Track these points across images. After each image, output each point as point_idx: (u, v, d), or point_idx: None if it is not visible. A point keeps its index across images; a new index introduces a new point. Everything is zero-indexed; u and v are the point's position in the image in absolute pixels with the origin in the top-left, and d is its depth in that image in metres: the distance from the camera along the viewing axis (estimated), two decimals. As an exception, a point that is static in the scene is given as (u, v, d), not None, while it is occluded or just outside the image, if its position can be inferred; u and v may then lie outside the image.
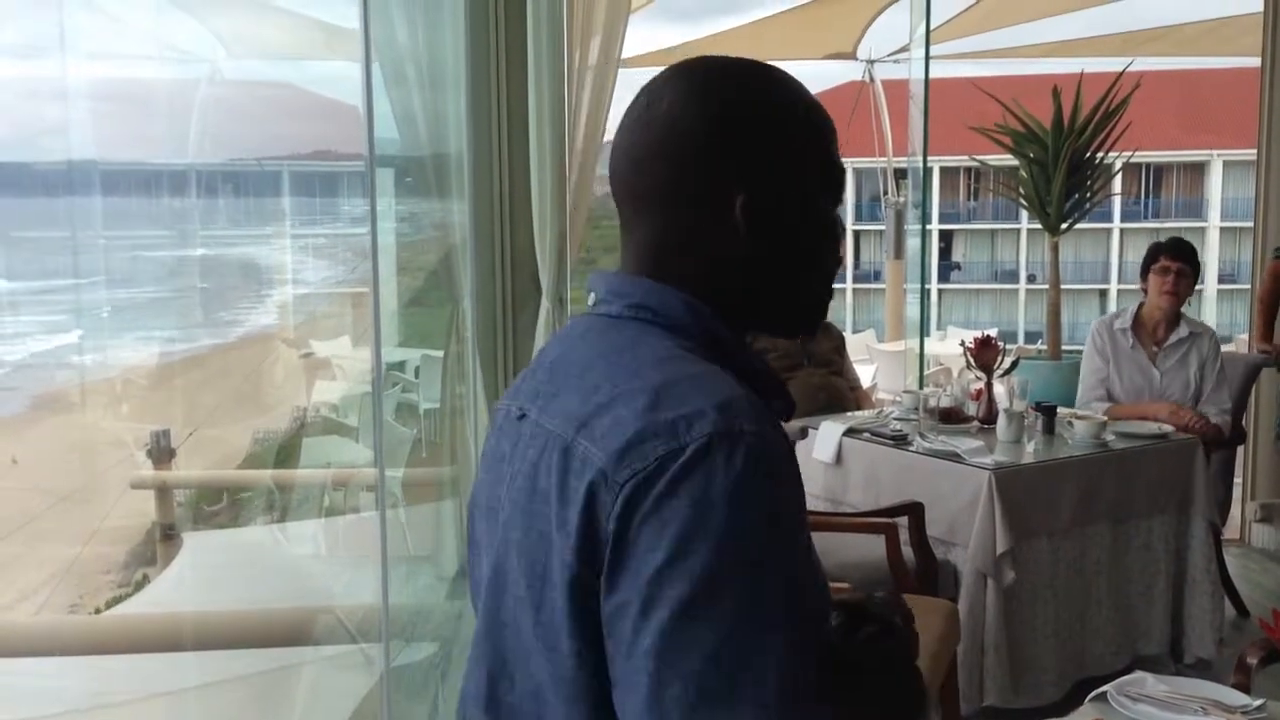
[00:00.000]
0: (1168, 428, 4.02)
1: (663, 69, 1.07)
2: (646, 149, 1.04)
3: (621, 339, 1.01)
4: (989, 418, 3.98)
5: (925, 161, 7.48)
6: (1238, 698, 1.92)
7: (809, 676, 0.86)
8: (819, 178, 1.06)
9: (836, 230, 1.09)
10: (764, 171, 1.03)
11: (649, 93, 1.06)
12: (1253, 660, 2.40)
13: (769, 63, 1.09)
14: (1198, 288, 4.71)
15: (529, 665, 0.97)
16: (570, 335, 1.08)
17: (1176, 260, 4.41)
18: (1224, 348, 4.80)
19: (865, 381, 6.42)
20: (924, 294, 8.92)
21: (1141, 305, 4.52)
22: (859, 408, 4.69)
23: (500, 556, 1.02)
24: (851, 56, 10.94)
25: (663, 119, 1.03)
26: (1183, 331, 4.44)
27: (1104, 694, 1.93)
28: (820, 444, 4.01)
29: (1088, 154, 5.92)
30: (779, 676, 0.84)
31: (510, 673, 1.00)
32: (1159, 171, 33.42)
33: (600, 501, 0.89)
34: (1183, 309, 4.49)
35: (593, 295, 1.09)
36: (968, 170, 31.98)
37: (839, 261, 1.11)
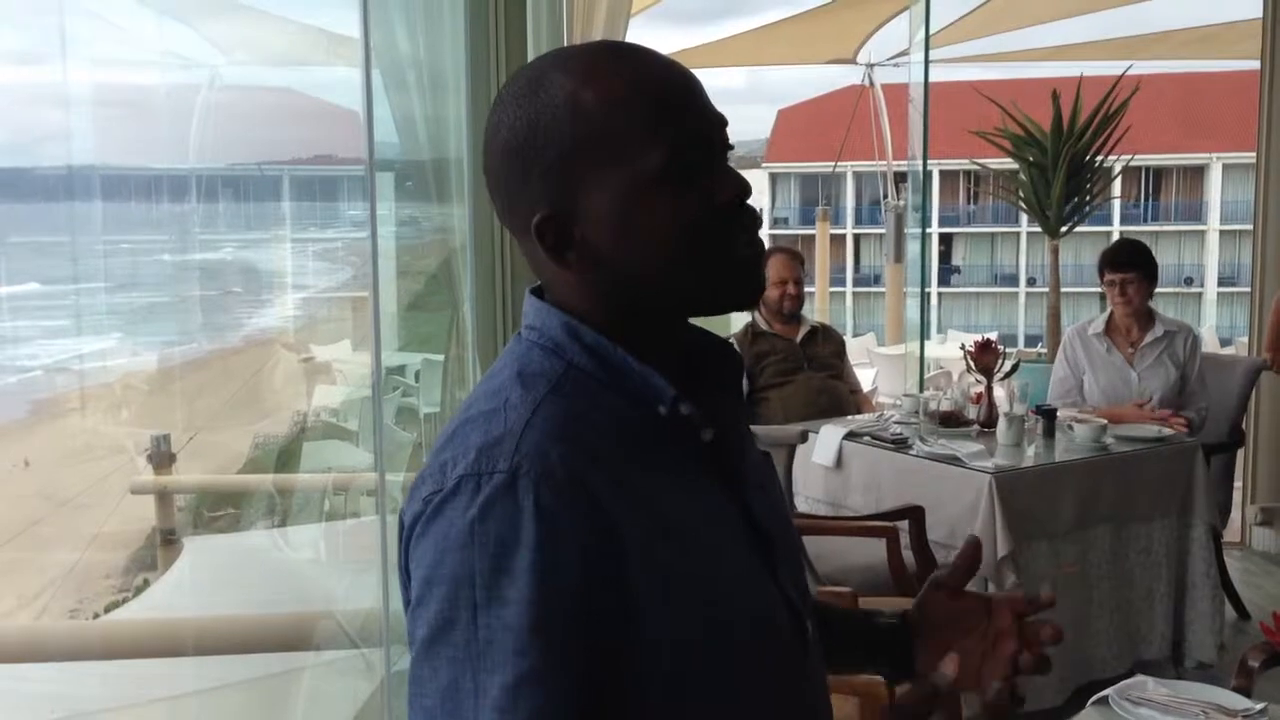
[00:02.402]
0: (1167, 431, 4.02)
1: None
2: (487, 184, 1.02)
3: (497, 367, 1.01)
4: (989, 421, 3.98)
5: (925, 165, 7.48)
6: (1239, 701, 1.91)
7: (542, 711, 0.85)
8: (655, 161, 0.94)
9: (720, 192, 0.97)
10: (565, 184, 0.95)
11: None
12: (1254, 663, 2.39)
13: (589, 46, 1.00)
14: (1197, 290, 4.70)
15: None
16: None
17: (1119, 272, 4.38)
18: (1224, 350, 4.79)
19: (865, 385, 6.42)
20: (924, 297, 8.92)
21: (1112, 309, 4.51)
22: (859, 411, 4.69)
23: None
24: (851, 61, 10.96)
25: (487, 134, 1.00)
26: (1158, 331, 4.41)
27: (1105, 698, 1.93)
28: (820, 448, 4.01)
29: (1087, 157, 5.94)
30: (495, 716, 0.84)
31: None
32: (1158, 174, 33.45)
33: (401, 540, 0.95)
34: (1153, 306, 4.47)
35: None
36: (968, 174, 32.00)
37: (740, 223, 0.98)
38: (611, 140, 0.94)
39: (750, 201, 1.00)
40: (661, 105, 0.95)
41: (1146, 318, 4.43)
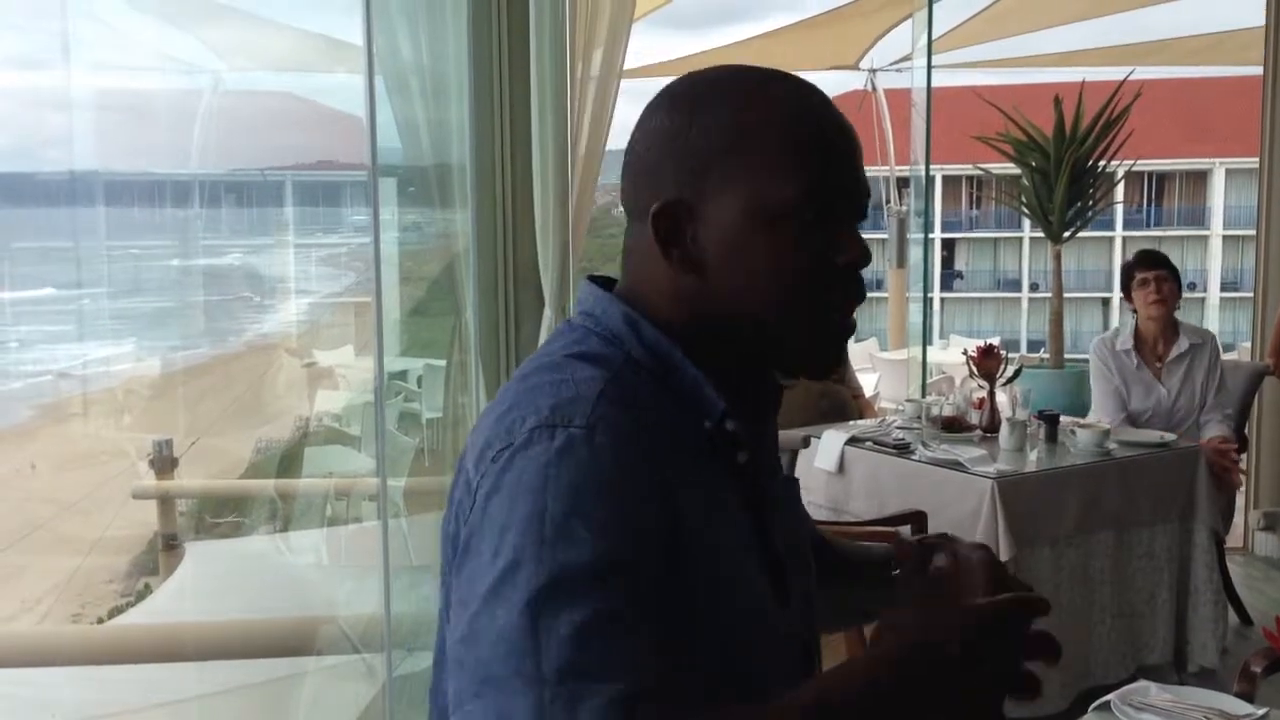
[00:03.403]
0: (1170, 436, 4.02)
1: (670, 80, 1.04)
2: (625, 162, 1.03)
3: (553, 345, 1.01)
4: (992, 426, 3.97)
5: (928, 170, 7.48)
6: (1242, 707, 1.91)
7: (607, 658, 0.79)
8: (789, 198, 0.95)
9: (836, 260, 0.97)
10: (697, 186, 0.96)
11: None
12: (1257, 669, 2.39)
13: (768, 72, 1.00)
14: (1200, 295, 4.72)
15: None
16: None
17: (1152, 269, 4.41)
18: (1227, 356, 4.80)
19: (868, 390, 6.42)
20: (926, 302, 8.91)
21: (1137, 323, 4.50)
22: (861, 416, 4.69)
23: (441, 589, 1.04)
24: (854, 68, 10.97)
25: (634, 132, 1.02)
26: (1183, 345, 4.42)
27: (1107, 703, 1.93)
28: (822, 453, 4.01)
29: (1090, 162, 5.93)
30: (561, 656, 0.78)
31: (443, 700, 0.97)
32: (1161, 180, 33.43)
33: (463, 507, 0.91)
34: (1178, 316, 4.48)
35: None
36: (970, 179, 31.99)
37: (842, 295, 0.99)
38: (756, 155, 0.95)
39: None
40: (815, 144, 0.96)
41: (1172, 329, 4.44)
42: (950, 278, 34.76)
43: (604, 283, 1.05)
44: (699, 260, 0.97)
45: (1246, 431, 4.88)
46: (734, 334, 0.99)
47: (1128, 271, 4.52)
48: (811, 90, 0.99)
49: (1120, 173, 6.29)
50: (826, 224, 0.96)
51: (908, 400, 4.82)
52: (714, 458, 0.98)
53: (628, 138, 1.03)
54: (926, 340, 7.78)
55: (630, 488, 0.86)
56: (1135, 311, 4.49)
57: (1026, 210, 6.34)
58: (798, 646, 1.05)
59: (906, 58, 9.27)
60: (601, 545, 0.83)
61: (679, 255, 0.97)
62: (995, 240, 34.94)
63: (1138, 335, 4.48)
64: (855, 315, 1.03)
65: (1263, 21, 5.47)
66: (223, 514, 5.79)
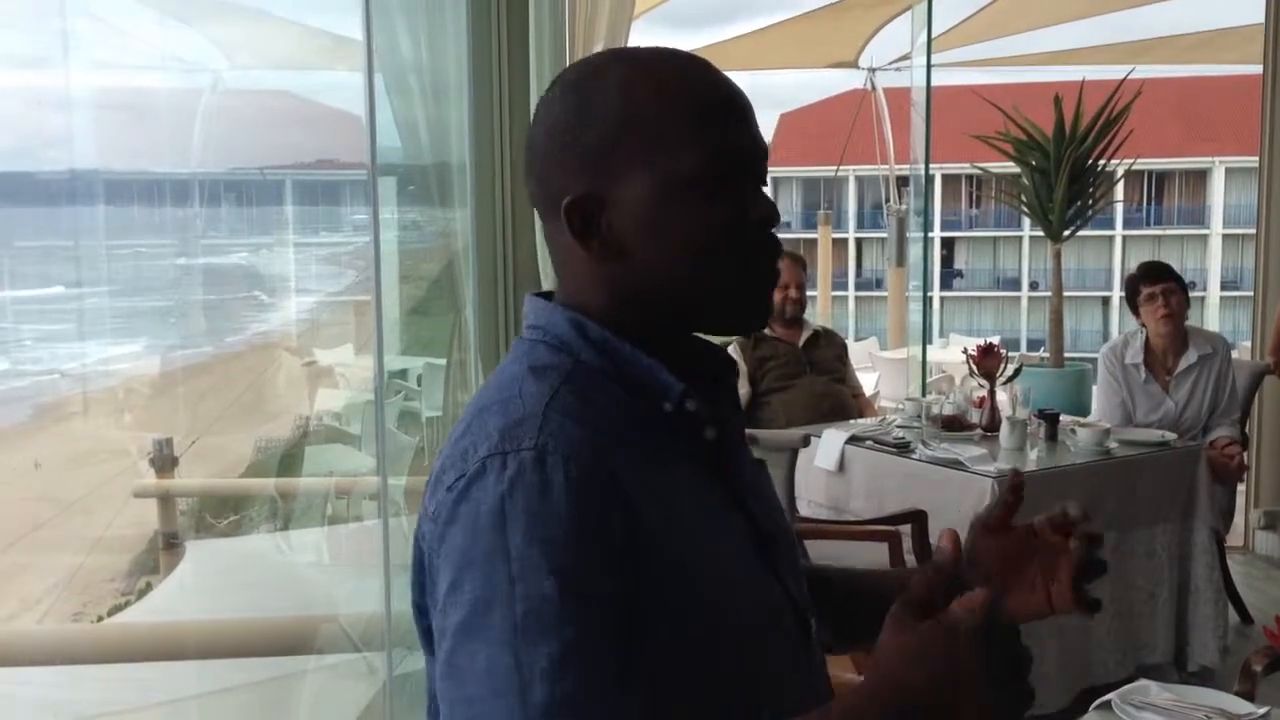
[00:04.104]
0: (1170, 435, 4.02)
1: None
2: (526, 161, 1.03)
3: (504, 364, 1.01)
4: (992, 425, 3.97)
5: (927, 169, 7.49)
6: (1242, 706, 1.91)
7: (589, 683, 0.82)
8: (694, 168, 0.96)
9: (750, 217, 0.99)
10: (601, 173, 0.96)
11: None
12: (1257, 667, 2.39)
13: (650, 49, 1.02)
14: (1200, 295, 4.71)
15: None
16: None
17: (1158, 282, 4.39)
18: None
19: (868, 389, 6.41)
20: (926, 301, 8.93)
21: (1147, 336, 4.49)
22: (861, 415, 4.69)
23: None
24: (853, 65, 10.96)
25: (533, 127, 1.02)
26: (1192, 357, 4.39)
27: (1108, 702, 1.92)
28: (822, 452, 4.01)
29: (1089, 161, 5.93)
30: (546, 689, 0.81)
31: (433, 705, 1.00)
32: (1161, 178, 33.45)
33: (423, 533, 0.93)
34: (1188, 324, 4.46)
35: None
36: (970, 178, 32.01)
37: (763, 249, 1.01)
38: (654, 133, 0.96)
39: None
40: (709, 111, 0.97)
41: (1182, 340, 4.42)
42: (950, 277, 34.78)
43: (548, 296, 1.05)
44: (619, 245, 0.98)
45: (1247, 430, 4.89)
46: (666, 308, 1.00)
47: (1133, 285, 4.49)
48: (694, 60, 1.01)
49: (1120, 171, 6.29)
50: (731, 186, 0.98)
51: (908, 399, 4.82)
52: (680, 441, 0.99)
53: None
54: (926, 339, 7.79)
55: (587, 505, 0.87)
56: (1144, 326, 4.47)
57: (1026, 209, 6.34)
58: (794, 618, 1.05)
59: (906, 57, 9.28)
60: (567, 575, 0.84)
61: (598, 245, 0.98)
62: (995, 239, 34.96)
63: (1147, 348, 4.46)
64: (780, 268, 1.04)
65: (1261, 19, 5.46)
66: (223, 513, 5.79)
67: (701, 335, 1.08)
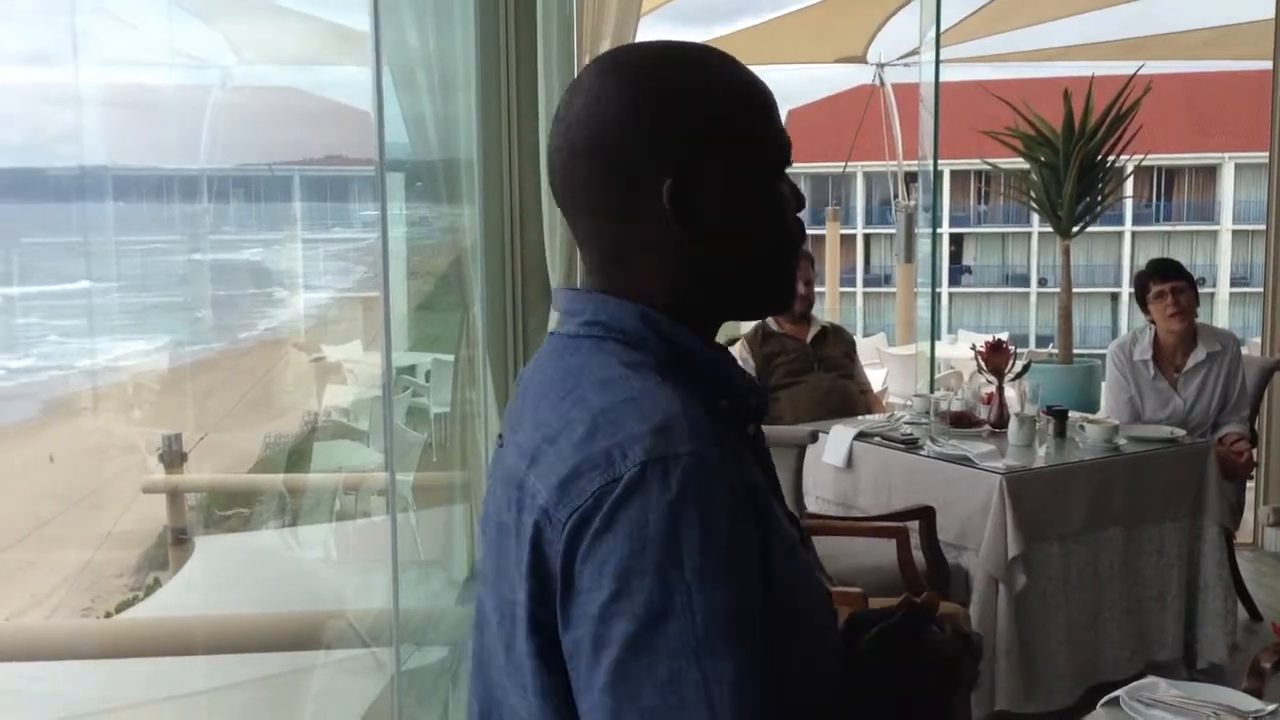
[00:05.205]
0: (1179, 432, 4.01)
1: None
2: (570, 152, 1.00)
3: (574, 362, 0.98)
4: (1000, 422, 3.97)
5: (936, 165, 7.46)
6: (1251, 703, 1.91)
7: (763, 695, 0.84)
8: (758, 153, 1.01)
9: (791, 202, 1.04)
10: (690, 157, 0.98)
11: (569, 90, 1.02)
12: (1266, 664, 2.39)
13: (696, 43, 1.05)
14: (1210, 291, 4.70)
15: (510, 700, 0.96)
16: (539, 359, 1.05)
17: (1168, 280, 4.38)
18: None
19: (876, 385, 6.41)
20: (935, 297, 8.91)
21: (1156, 333, 4.48)
22: (870, 411, 4.68)
23: (481, 593, 1.02)
24: (861, 60, 10.94)
25: (581, 117, 0.99)
26: (1200, 354, 4.39)
27: (1116, 699, 1.92)
28: (831, 448, 4.01)
29: (1099, 157, 5.92)
30: (736, 703, 0.82)
31: (498, 710, 0.99)
32: (1170, 174, 33.33)
33: (546, 539, 0.88)
34: (1198, 321, 4.46)
35: (555, 314, 1.07)
36: (978, 174, 31.90)
37: (801, 233, 1.07)
38: (734, 121, 1.00)
39: None
40: (765, 106, 1.03)
41: (1191, 338, 4.41)
42: (958, 273, 34.70)
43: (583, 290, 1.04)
44: (711, 227, 0.99)
45: (1257, 427, 4.87)
46: (729, 291, 1.03)
47: (1142, 282, 4.48)
48: (733, 58, 1.05)
49: (1129, 167, 6.29)
50: (780, 174, 1.04)
51: (916, 395, 4.81)
52: (731, 436, 0.99)
53: None
54: (935, 335, 7.76)
55: (743, 512, 0.88)
56: (1153, 323, 4.46)
57: (1035, 205, 6.33)
58: (833, 611, 1.08)
59: (914, 52, 9.25)
60: (740, 585, 0.85)
61: (695, 228, 0.99)
62: (1004, 235, 34.87)
63: (1156, 344, 4.45)
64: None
65: (1272, 14, 5.44)
66: (232, 509, 5.80)
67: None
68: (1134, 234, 32.79)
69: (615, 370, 0.95)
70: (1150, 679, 1.99)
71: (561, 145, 1.01)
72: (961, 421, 4.01)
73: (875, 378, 7.20)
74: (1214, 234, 33.02)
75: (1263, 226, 5.77)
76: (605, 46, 3.75)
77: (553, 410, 0.94)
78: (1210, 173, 33.27)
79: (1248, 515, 5.09)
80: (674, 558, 0.83)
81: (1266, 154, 5.49)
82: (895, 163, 11.69)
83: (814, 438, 3.96)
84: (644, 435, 0.87)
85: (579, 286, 1.05)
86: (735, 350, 4.60)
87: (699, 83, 0.99)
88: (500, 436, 1.06)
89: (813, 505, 4.04)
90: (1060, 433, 3.90)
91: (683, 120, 0.98)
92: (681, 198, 0.97)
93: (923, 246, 10.19)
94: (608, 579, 0.84)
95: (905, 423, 4.13)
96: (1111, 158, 5.97)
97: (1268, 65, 5.52)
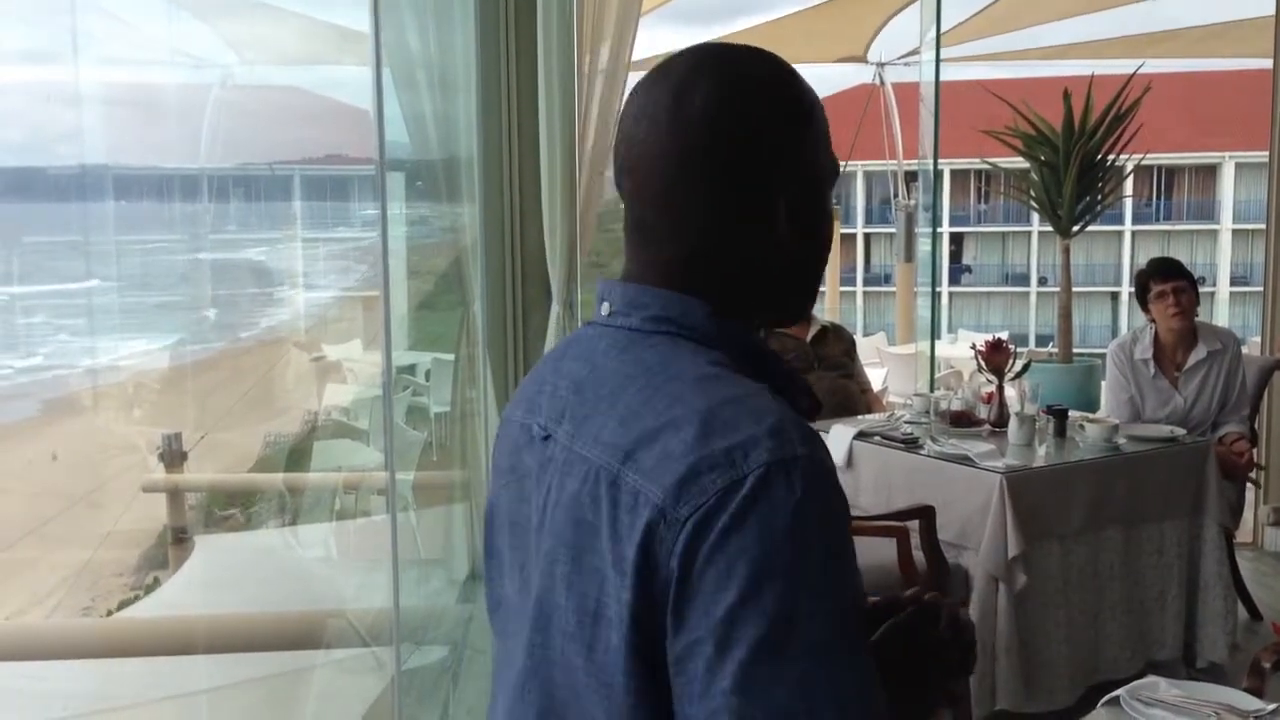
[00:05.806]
0: (1179, 431, 4.01)
1: (673, 55, 1.03)
2: (683, 153, 0.99)
3: (651, 357, 0.97)
4: (1000, 421, 3.97)
5: (936, 164, 7.46)
6: (1251, 702, 1.91)
7: (881, 695, 0.86)
8: (829, 170, 1.07)
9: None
10: (798, 171, 1.02)
11: (675, 88, 1.00)
12: (1266, 664, 2.39)
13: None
14: (1210, 290, 4.70)
15: (582, 703, 0.94)
16: (590, 350, 1.03)
17: (1169, 279, 4.39)
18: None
19: (876, 385, 6.41)
20: (934, 297, 8.91)
21: (1156, 332, 4.48)
22: (870, 411, 4.68)
23: (544, 590, 0.98)
24: (862, 59, 10.94)
25: (699, 120, 0.98)
26: (1201, 353, 4.39)
27: (1117, 698, 1.92)
28: (831, 447, 3.99)
29: (1099, 156, 5.92)
30: (861, 703, 0.84)
31: (562, 712, 0.97)
32: (1170, 174, 33.33)
33: (659, 538, 0.86)
34: (1198, 320, 4.46)
35: (606, 305, 1.04)
36: (978, 173, 31.90)
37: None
38: (804, 128, 1.03)
39: None
40: (822, 115, 1.06)
41: (1191, 336, 4.42)
42: (958, 272, 34.70)
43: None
44: (800, 230, 1.03)
45: (1257, 426, 4.88)
46: (784, 294, 1.07)
47: (1143, 281, 4.49)
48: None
49: (1129, 166, 6.28)
50: (832, 184, 1.09)
51: (916, 395, 4.81)
52: None
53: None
54: (934, 335, 7.76)
55: (848, 512, 0.91)
56: (1153, 322, 4.47)
57: (1035, 204, 6.33)
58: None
59: (914, 51, 9.26)
60: (858, 587, 0.87)
61: (787, 230, 1.02)
62: (1003, 234, 34.87)
63: (1157, 343, 4.46)
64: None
65: (1272, 11, 5.44)
66: (232, 507, 5.81)
67: None
68: (1134, 233, 32.79)
69: (705, 369, 0.95)
70: (1150, 678, 1.99)
71: (676, 148, 0.99)
72: (961, 421, 4.01)
73: (875, 377, 7.20)
74: (1214, 233, 33.02)
75: (1263, 226, 5.78)
76: (605, 47, 3.75)
77: (644, 406, 0.93)
78: (1210, 172, 33.27)
79: (1248, 514, 5.09)
80: (803, 559, 0.84)
81: (1266, 153, 5.49)
82: (895, 162, 11.68)
83: (814, 437, 3.96)
84: (763, 437, 0.87)
85: (628, 277, 1.04)
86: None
87: (802, 96, 1.03)
88: (533, 425, 1.04)
89: (813, 504, 4.03)
90: (1060, 432, 3.90)
91: (794, 133, 1.02)
92: (795, 209, 1.02)
93: (923, 246, 10.18)
94: (736, 580, 0.83)
95: (905, 422, 4.13)
96: (1111, 157, 5.97)
97: (1268, 64, 5.52)
